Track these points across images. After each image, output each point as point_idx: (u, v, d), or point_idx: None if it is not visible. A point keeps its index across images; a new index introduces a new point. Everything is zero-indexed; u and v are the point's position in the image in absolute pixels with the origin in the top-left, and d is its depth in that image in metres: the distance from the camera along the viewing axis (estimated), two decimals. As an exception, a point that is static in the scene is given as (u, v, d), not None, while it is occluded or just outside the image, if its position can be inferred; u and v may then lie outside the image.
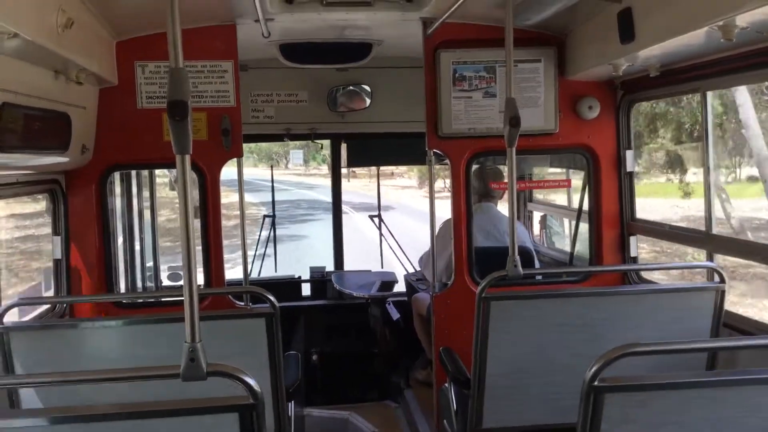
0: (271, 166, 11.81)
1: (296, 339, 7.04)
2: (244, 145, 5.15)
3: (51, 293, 4.99)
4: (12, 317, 3.86)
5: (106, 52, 4.72)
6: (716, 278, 3.99)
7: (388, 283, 7.18)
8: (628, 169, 5.30)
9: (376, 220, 8.63)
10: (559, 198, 7.69)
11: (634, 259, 5.34)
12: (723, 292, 3.93)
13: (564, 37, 5.10)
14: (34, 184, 4.62)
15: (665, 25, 3.65)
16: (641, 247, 5.23)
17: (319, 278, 7.48)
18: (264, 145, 41.06)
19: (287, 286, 7.44)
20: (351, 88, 6.81)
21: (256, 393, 2.30)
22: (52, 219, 4.93)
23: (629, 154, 5.29)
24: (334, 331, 7.17)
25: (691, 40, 3.61)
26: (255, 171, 41.34)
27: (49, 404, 3.59)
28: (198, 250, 3.67)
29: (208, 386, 2.31)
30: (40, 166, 4.32)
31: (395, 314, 6.80)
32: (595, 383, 2.47)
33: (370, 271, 8.15)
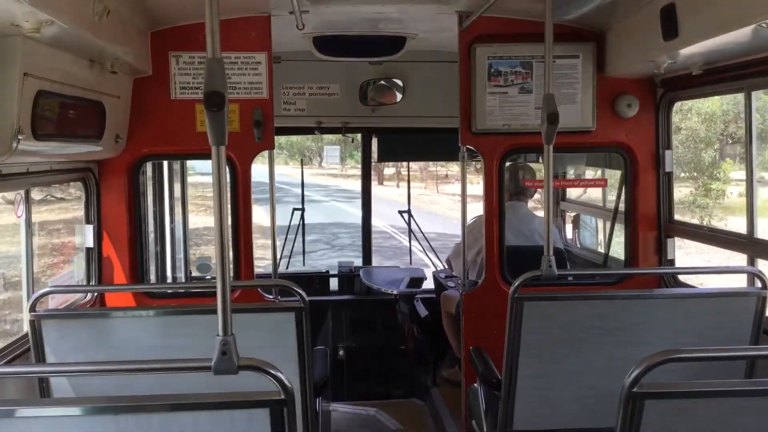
0: (301, 161, 11.87)
1: (323, 333, 7.02)
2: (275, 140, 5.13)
3: (82, 281, 5.03)
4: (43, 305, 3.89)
5: (141, 42, 4.73)
6: (758, 283, 3.88)
7: (416, 279, 7.12)
8: (667, 170, 5.18)
9: (406, 216, 8.58)
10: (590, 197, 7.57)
11: (671, 262, 5.22)
12: (764, 298, 3.81)
13: (603, 32, 4.99)
14: (68, 173, 4.65)
15: (711, 21, 3.54)
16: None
17: (348, 273, 7.45)
18: (295, 140, 35.95)
19: (315, 281, 7.43)
20: (382, 82, 6.76)
21: (287, 388, 2.27)
22: (84, 207, 4.96)
23: (668, 154, 5.17)
24: (362, 327, 7.15)
25: (737, 37, 3.50)
26: (284, 170, 34.58)
27: (79, 393, 3.61)
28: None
29: (237, 379, 2.29)
30: (74, 154, 4.34)
31: (423, 311, 6.75)
32: (635, 389, 2.39)
33: (398, 267, 8.10)
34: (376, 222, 7.46)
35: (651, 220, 5.21)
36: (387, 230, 21.02)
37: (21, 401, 3.11)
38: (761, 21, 3.14)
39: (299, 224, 8.36)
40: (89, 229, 4.93)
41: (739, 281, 4.54)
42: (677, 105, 5.22)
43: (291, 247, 8.34)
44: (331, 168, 44.56)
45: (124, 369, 2.72)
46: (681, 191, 21.26)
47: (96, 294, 4.91)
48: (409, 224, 8.44)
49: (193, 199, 7.19)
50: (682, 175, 22.19)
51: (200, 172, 11.33)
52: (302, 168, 9.94)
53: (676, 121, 5.40)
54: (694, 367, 3.54)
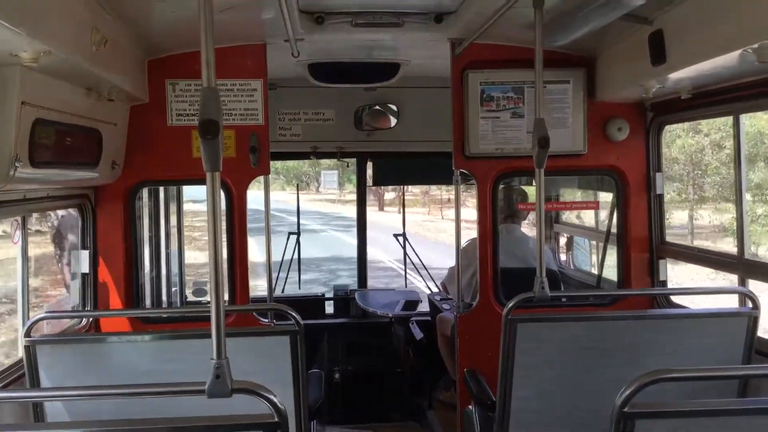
0: (297, 185, 11.76)
1: (319, 357, 7.02)
2: (270, 165, 5.18)
3: (77, 307, 5.03)
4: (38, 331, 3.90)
5: (138, 70, 4.79)
6: (749, 303, 3.91)
7: (411, 302, 7.14)
8: (658, 192, 5.23)
9: (401, 239, 8.60)
10: (586, 220, 7.61)
11: (663, 283, 5.26)
12: (756, 318, 3.85)
13: (593, 58, 5.07)
14: (65, 199, 4.68)
15: (698, 47, 3.62)
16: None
17: (343, 296, 7.46)
18: (291, 165, 34.75)
19: (311, 304, 7.44)
20: (376, 107, 6.85)
21: (280, 411, 2.29)
22: (80, 233, 4.98)
23: (659, 177, 5.23)
24: (357, 350, 7.14)
25: (724, 62, 3.57)
26: (281, 196, 31.97)
27: (74, 418, 3.60)
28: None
29: (231, 403, 2.31)
30: (71, 181, 4.37)
31: (419, 334, 6.77)
32: (626, 409, 2.41)
33: (393, 289, 8.11)
34: (379, 255, 7.27)
35: (643, 242, 5.25)
36: (393, 266, 18.36)
37: (15, 426, 3.12)
38: (747, 47, 3.21)
39: (294, 249, 8.39)
40: (85, 255, 4.95)
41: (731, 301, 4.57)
42: (718, 122, 5.25)
43: (287, 271, 8.35)
44: (329, 193, 42.71)
45: (118, 393, 2.73)
46: (724, 216, 20.12)
47: (91, 319, 4.92)
48: (404, 247, 8.47)
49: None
50: (727, 196, 20.57)
51: (191, 198, 9.19)
52: (298, 192, 9.97)
53: (716, 140, 5.46)
54: (688, 387, 3.55)
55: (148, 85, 4.94)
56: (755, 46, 3.16)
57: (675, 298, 5.17)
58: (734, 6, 3.27)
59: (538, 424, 3.92)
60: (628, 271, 5.27)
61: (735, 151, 4.41)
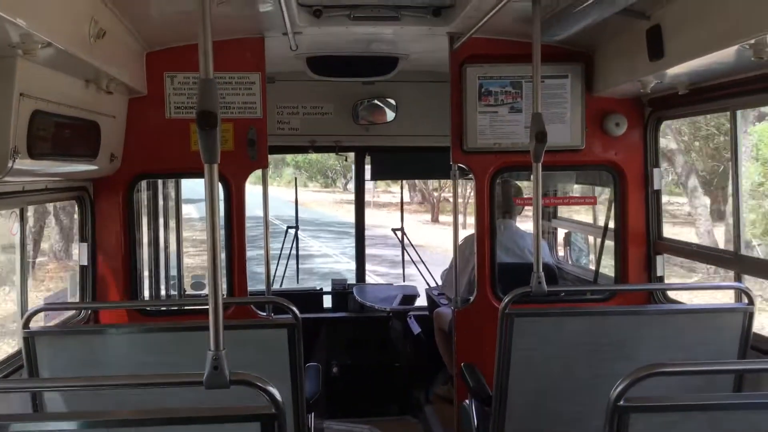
0: (295, 179, 11.40)
1: (317, 351, 7.03)
2: (288, 160, 5.21)
3: (76, 299, 5.04)
4: (37, 323, 3.90)
5: (137, 62, 4.79)
6: (744, 299, 3.93)
7: (409, 296, 7.16)
8: (656, 187, 5.24)
9: (399, 233, 8.62)
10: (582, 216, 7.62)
11: (661, 279, 5.27)
12: (751, 314, 3.86)
13: (591, 53, 5.08)
14: (63, 191, 4.68)
15: (695, 42, 3.63)
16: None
17: (341, 290, 7.48)
18: (314, 157, 31.10)
19: (309, 298, 7.45)
20: (375, 101, 6.85)
21: (278, 403, 2.30)
22: (79, 226, 4.99)
23: (657, 172, 5.24)
24: (355, 344, 7.16)
25: (721, 58, 3.58)
26: (300, 195, 23.65)
27: (72, 409, 3.62)
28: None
29: (230, 394, 2.32)
30: (69, 173, 4.38)
31: (416, 328, 6.78)
32: (621, 403, 2.43)
33: (391, 284, 8.14)
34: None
35: (640, 237, 5.26)
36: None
37: (14, 416, 3.13)
38: (744, 42, 3.22)
39: (293, 243, 8.41)
40: (83, 247, 4.96)
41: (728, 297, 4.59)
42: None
43: (285, 265, 8.37)
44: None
45: (116, 384, 2.75)
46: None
47: (90, 312, 4.93)
48: (402, 241, 8.49)
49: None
50: None
51: (185, 198, 7.80)
52: (296, 185, 9.98)
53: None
54: (684, 383, 3.57)
55: (147, 77, 4.95)
56: (751, 41, 3.18)
57: (672, 295, 5.18)
58: (731, 0, 3.28)
59: (534, 418, 3.94)
60: (625, 266, 5.29)
61: (732, 148, 4.41)
